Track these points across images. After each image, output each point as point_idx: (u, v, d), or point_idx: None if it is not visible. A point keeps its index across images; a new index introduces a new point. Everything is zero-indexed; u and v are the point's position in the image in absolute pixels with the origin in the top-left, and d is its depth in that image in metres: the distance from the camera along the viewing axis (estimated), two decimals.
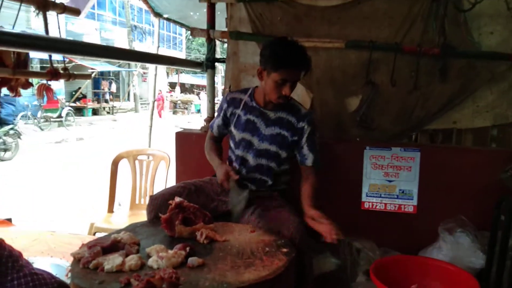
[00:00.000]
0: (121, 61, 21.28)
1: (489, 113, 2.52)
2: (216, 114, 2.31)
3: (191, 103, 24.57)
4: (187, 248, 1.50)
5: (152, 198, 2.05)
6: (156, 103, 19.89)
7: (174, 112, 23.51)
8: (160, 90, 21.57)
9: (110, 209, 3.17)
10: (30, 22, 13.64)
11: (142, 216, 2.92)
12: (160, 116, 19.36)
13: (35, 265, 1.29)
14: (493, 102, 2.51)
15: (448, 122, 2.59)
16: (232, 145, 2.18)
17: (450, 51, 2.42)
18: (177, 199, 1.78)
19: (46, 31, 2.31)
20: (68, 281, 1.36)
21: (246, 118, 2.10)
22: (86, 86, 19.56)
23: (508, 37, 2.43)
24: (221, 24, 3.09)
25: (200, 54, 29.07)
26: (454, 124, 2.59)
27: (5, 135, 8.77)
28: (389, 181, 2.40)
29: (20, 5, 2.17)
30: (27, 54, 2.47)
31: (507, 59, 2.41)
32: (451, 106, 2.54)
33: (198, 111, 23.44)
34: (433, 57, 2.46)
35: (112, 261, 1.40)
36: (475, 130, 2.59)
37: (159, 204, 1.97)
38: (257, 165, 2.10)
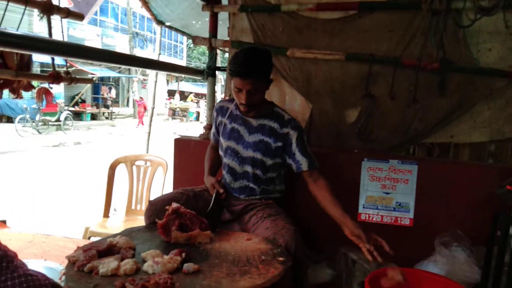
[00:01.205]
0: (122, 67, 21.36)
1: (486, 129, 2.54)
2: None
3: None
4: (183, 254, 1.50)
5: (151, 203, 2.05)
6: (137, 109, 18.27)
7: (173, 119, 23.51)
8: (141, 97, 21.10)
9: (106, 214, 3.15)
10: (33, 26, 13.72)
11: (138, 222, 2.91)
12: (142, 124, 18.60)
13: (29, 267, 1.28)
14: (490, 118, 2.52)
15: (446, 136, 2.61)
16: (221, 153, 2.22)
17: (449, 66, 2.44)
18: (174, 204, 1.79)
19: (50, 34, 2.32)
20: (62, 284, 1.36)
21: (231, 126, 2.13)
22: (86, 91, 19.59)
23: (506, 55, 2.45)
24: (222, 34, 3.12)
25: (200, 63, 29.20)
26: (451, 139, 2.60)
27: None
28: (386, 193, 2.40)
29: (25, 9, 2.18)
30: (30, 56, 2.48)
31: (505, 76, 2.43)
32: (449, 120, 2.55)
33: (197, 118, 23.47)
34: (432, 72, 2.48)
35: (107, 265, 1.40)
36: (473, 145, 2.60)
37: (158, 209, 1.97)
38: (243, 172, 2.11)
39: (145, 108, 19.33)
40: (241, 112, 2.10)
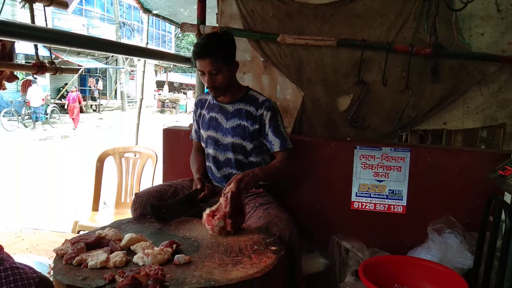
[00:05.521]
0: (109, 58, 20.99)
1: (478, 115, 2.53)
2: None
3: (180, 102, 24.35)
4: (174, 245, 1.47)
5: (137, 195, 2.03)
6: (71, 106, 13.75)
7: (162, 111, 23.25)
8: (75, 87, 16.50)
9: (95, 208, 3.09)
10: (16, 17, 13.39)
11: (128, 215, 2.83)
12: (76, 125, 14.47)
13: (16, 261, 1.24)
14: (483, 103, 2.52)
15: (439, 123, 2.60)
16: (203, 145, 2.22)
17: (442, 51, 2.42)
18: None
19: (33, 23, 2.24)
20: (51, 278, 1.31)
21: (209, 116, 2.14)
22: (72, 83, 19.24)
23: (498, 39, 2.44)
24: (211, 22, 3.05)
25: (189, 53, 28.91)
26: (444, 125, 2.59)
27: None
28: (379, 181, 2.38)
29: None
30: (13, 46, 2.39)
31: (497, 60, 2.42)
32: (442, 106, 2.54)
33: (186, 110, 23.27)
34: (425, 57, 2.46)
35: (96, 257, 1.37)
36: (465, 131, 2.60)
37: (144, 201, 1.96)
38: (225, 160, 2.11)
39: (79, 102, 15.45)
40: (215, 99, 2.12)
